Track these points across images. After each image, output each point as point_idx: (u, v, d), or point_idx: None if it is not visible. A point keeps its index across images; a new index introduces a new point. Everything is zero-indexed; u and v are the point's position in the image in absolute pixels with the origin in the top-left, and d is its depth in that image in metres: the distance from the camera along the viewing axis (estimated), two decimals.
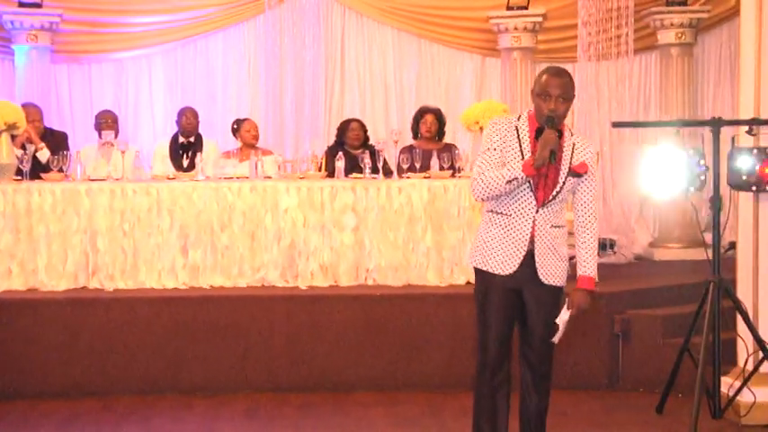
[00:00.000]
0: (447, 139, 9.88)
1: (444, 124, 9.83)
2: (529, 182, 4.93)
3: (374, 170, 8.70)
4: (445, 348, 7.72)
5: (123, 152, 8.74)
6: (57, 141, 9.28)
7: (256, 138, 9.72)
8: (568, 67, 11.41)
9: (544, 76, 4.93)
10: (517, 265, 5.00)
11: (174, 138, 9.71)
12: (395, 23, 11.85)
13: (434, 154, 8.92)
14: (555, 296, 5.08)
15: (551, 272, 5.03)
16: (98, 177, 8.50)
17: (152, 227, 8.20)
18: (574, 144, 5.00)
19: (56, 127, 9.91)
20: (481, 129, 8.63)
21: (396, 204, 8.37)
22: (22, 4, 10.83)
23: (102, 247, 8.13)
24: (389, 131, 10.60)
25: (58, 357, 7.52)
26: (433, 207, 8.38)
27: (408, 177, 8.61)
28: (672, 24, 11.04)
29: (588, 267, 5.06)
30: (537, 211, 4.97)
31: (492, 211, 5.06)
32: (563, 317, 5.03)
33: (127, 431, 6.74)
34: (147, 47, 11.64)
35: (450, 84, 11.96)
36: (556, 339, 5.10)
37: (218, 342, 7.65)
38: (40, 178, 8.41)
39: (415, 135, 9.77)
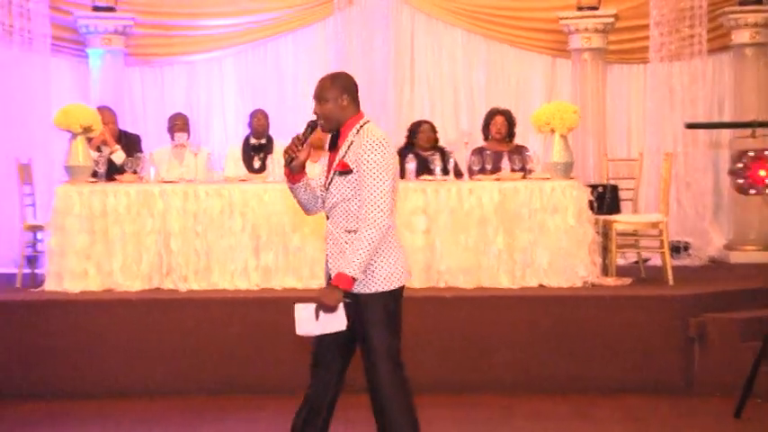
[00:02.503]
0: (517, 141, 9.81)
1: (514, 125, 9.77)
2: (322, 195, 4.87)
3: (444, 172, 8.68)
4: (516, 351, 7.67)
5: (195, 154, 8.82)
6: (130, 144, 9.40)
7: (321, 139, 9.74)
8: (639, 68, 11.55)
9: None
10: (325, 275, 4.91)
11: (246, 139, 9.77)
12: (464, 25, 11.83)
13: (505, 155, 8.88)
14: (367, 306, 4.73)
15: None
16: (171, 179, 8.58)
17: (224, 228, 8.26)
18: (351, 143, 4.75)
19: (129, 129, 10.03)
20: (552, 130, 8.58)
21: (466, 206, 8.34)
22: (96, 8, 11.00)
23: (176, 248, 8.22)
24: (459, 133, 10.63)
25: (132, 357, 7.59)
26: (503, 209, 8.34)
27: (479, 179, 8.57)
28: (746, 24, 10.90)
29: (345, 265, 4.60)
30: (328, 218, 4.84)
31: None
32: (304, 306, 4.72)
33: (201, 431, 6.79)
34: (218, 49, 11.76)
35: (520, 85, 11.92)
36: (297, 330, 4.79)
37: (290, 343, 7.59)
38: (114, 180, 8.51)
39: (486, 137, 9.73)
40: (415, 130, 9.78)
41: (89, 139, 8.70)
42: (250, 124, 9.77)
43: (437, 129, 9.87)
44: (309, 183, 4.85)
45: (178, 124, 9.54)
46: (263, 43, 11.83)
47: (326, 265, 4.84)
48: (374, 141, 4.62)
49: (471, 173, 8.74)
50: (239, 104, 11.56)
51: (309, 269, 8.27)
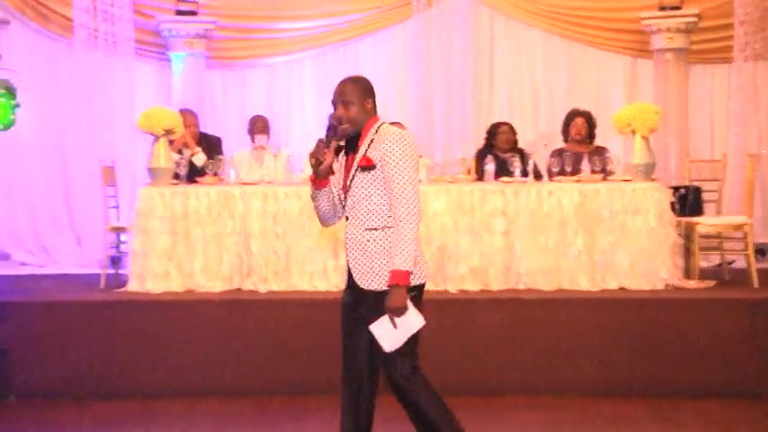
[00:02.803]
0: (598, 142, 9.72)
1: (595, 127, 9.68)
2: (340, 197, 4.89)
3: (524, 173, 8.64)
4: (597, 353, 7.59)
5: (275, 156, 8.89)
6: (211, 146, 9.49)
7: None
8: (723, 67, 11.37)
9: None
10: (347, 280, 4.90)
11: None
12: (543, 26, 11.76)
13: (585, 157, 8.80)
14: (374, 300, 4.75)
15: (364, 276, 4.77)
16: (251, 181, 8.65)
17: (303, 230, 8.30)
18: (372, 140, 4.77)
19: (210, 132, 10.13)
20: (633, 131, 8.50)
21: (546, 208, 8.29)
22: (179, 13, 11.14)
23: (256, 249, 8.28)
24: (539, 134, 10.56)
25: (213, 357, 7.66)
26: (583, 210, 8.27)
27: (559, 181, 8.51)
28: None
29: (393, 262, 4.63)
30: (347, 218, 4.85)
31: None
32: (377, 323, 4.71)
33: (281, 430, 6.83)
34: (298, 52, 11.84)
35: (601, 86, 11.81)
36: (386, 348, 4.75)
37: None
38: (195, 182, 8.61)
39: (566, 138, 9.65)
40: (494, 131, 9.74)
41: (171, 142, 8.81)
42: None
43: (516, 130, 9.82)
44: (332, 189, 4.90)
45: (258, 126, 9.61)
46: (343, 45, 11.89)
47: (348, 268, 4.85)
48: (397, 136, 4.70)
49: (551, 174, 8.68)
50: (318, 106, 11.61)
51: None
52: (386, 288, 4.67)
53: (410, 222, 4.62)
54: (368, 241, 4.74)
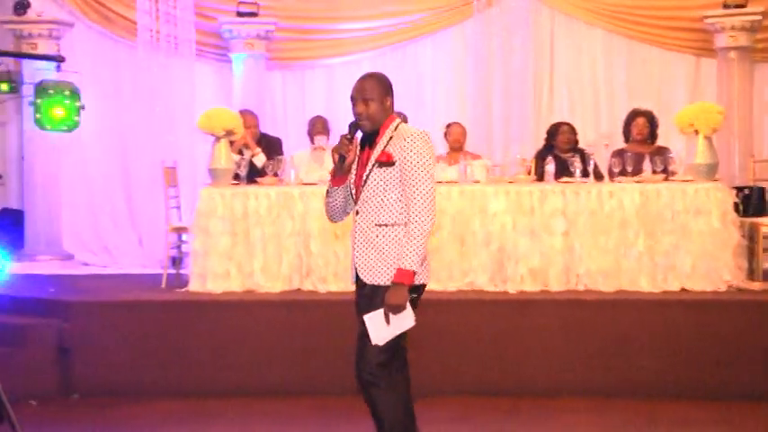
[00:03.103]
0: (660, 142, 9.61)
1: (657, 127, 9.57)
2: (351, 191, 4.90)
3: (584, 174, 8.58)
4: (657, 356, 7.51)
5: None
6: (271, 146, 9.53)
7: (459, 141, 9.74)
8: None
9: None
10: (354, 275, 4.92)
11: None
12: (604, 24, 11.67)
13: (646, 157, 8.71)
14: (376, 295, 4.78)
15: (369, 270, 4.80)
16: (310, 181, 8.67)
17: None
18: (391, 137, 4.78)
19: (270, 132, 10.17)
20: (696, 131, 8.40)
21: (607, 208, 8.23)
22: (240, 14, 11.21)
23: (315, 249, 8.30)
24: (600, 134, 10.46)
25: (272, 358, 7.69)
26: (645, 211, 8.19)
27: (620, 181, 8.44)
28: None
29: (402, 261, 4.67)
30: (357, 212, 4.85)
31: None
32: (372, 315, 4.73)
33: (338, 431, 6.84)
34: (357, 52, 11.85)
35: (663, 85, 11.69)
36: (374, 340, 4.77)
37: (427, 345, 7.65)
38: (256, 182, 8.64)
39: (627, 138, 9.56)
40: (554, 131, 9.67)
41: (231, 143, 8.86)
42: None
43: (577, 130, 9.74)
44: (348, 185, 4.91)
45: (317, 127, 9.63)
46: (402, 46, 11.89)
47: (353, 260, 4.88)
48: (417, 135, 4.73)
49: (612, 175, 8.62)
50: None
51: (447, 271, 8.26)
52: (388, 284, 4.70)
53: (424, 223, 4.65)
54: (377, 237, 4.77)
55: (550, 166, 8.59)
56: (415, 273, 4.67)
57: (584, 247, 8.23)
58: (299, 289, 8.31)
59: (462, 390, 7.54)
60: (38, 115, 7.14)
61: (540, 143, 9.91)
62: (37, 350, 7.79)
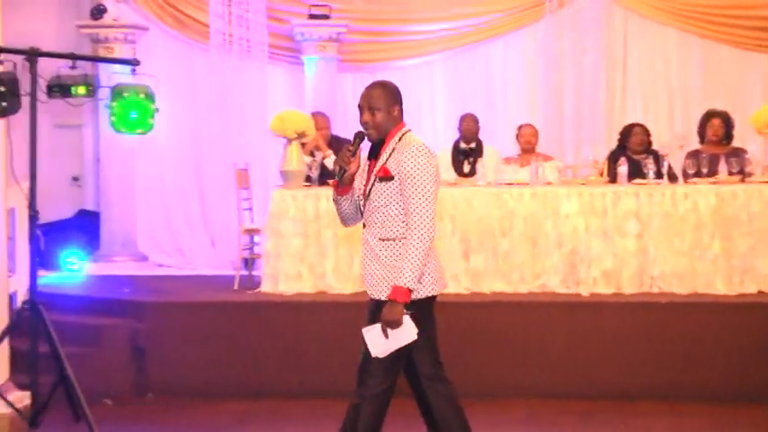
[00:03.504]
0: (735, 143, 9.46)
1: (732, 128, 9.42)
2: (359, 202, 4.83)
3: (658, 175, 8.50)
4: (733, 359, 7.41)
5: None
6: (342, 148, 9.53)
7: (530, 142, 9.68)
8: None
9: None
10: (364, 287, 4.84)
11: (456, 144, 9.79)
12: (678, 24, 11.51)
13: (722, 158, 8.59)
14: (378, 309, 4.66)
15: (373, 284, 4.72)
16: None
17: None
18: (394, 149, 4.68)
19: (341, 134, 10.19)
20: None
21: (681, 210, 8.14)
22: (312, 17, 11.26)
23: None
24: (674, 136, 10.32)
25: (344, 359, 7.67)
26: (720, 213, 8.09)
27: (694, 183, 8.34)
28: None
29: (398, 277, 4.56)
30: (365, 226, 4.79)
31: None
32: (370, 329, 4.64)
33: None
34: (429, 54, 11.84)
35: (738, 85, 11.49)
36: (373, 353, 4.67)
37: (499, 347, 7.65)
38: (327, 184, 8.67)
39: (702, 139, 9.43)
40: (627, 133, 9.56)
41: (303, 145, 8.90)
42: (459, 128, 9.79)
43: (650, 131, 9.62)
44: (354, 194, 4.85)
45: None
46: (474, 47, 11.84)
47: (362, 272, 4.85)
48: (417, 149, 4.61)
49: (686, 176, 8.52)
50: (449, 108, 11.60)
51: (519, 273, 8.23)
52: (383, 298, 4.63)
53: (421, 240, 4.54)
54: (380, 251, 4.70)
55: (623, 168, 8.52)
56: (410, 290, 4.56)
57: (658, 249, 8.14)
58: None
59: (533, 392, 7.50)
60: (113, 118, 7.24)
61: (613, 144, 9.80)
62: (112, 350, 7.90)
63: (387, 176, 4.64)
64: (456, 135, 9.89)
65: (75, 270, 10.77)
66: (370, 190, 4.72)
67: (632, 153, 9.27)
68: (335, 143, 9.60)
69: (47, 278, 9.82)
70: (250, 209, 9.59)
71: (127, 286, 9.36)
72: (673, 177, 8.66)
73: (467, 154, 9.67)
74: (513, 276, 8.24)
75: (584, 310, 7.74)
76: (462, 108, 10.78)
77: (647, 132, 9.51)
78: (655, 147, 9.44)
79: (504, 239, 8.27)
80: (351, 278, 8.31)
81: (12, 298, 7.53)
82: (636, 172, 8.68)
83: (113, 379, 7.74)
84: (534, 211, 8.26)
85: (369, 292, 4.78)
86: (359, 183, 4.84)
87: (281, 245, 8.38)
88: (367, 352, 4.72)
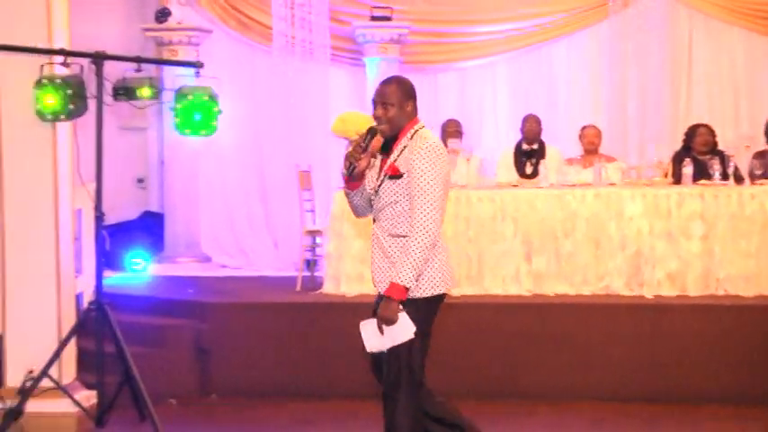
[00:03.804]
0: None
1: None
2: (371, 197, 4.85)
3: (724, 176, 8.41)
4: None
5: (468, 160, 8.89)
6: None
7: (593, 143, 9.61)
8: None
9: None
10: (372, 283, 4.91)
11: (518, 145, 9.75)
12: (745, 24, 11.36)
13: None
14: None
15: (381, 279, 4.80)
16: None
17: (496, 234, 8.28)
18: (405, 147, 4.69)
19: None
20: None
21: (748, 211, 8.05)
22: (373, 18, 11.27)
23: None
24: (740, 136, 10.20)
25: None
26: None
27: (761, 184, 8.23)
28: None
29: (396, 274, 4.59)
30: (375, 221, 4.83)
31: None
32: (366, 323, 4.70)
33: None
34: (491, 55, 11.79)
35: None
36: (367, 348, 4.76)
37: (562, 349, 7.60)
38: None
39: None
40: (692, 133, 9.45)
41: None
42: (522, 129, 9.74)
43: (715, 132, 9.51)
44: (365, 188, 4.87)
45: (450, 130, 9.63)
46: (536, 48, 11.78)
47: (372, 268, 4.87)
48: (426, 147, 4.62)
49: (753, 177, 8.42)
50: (511, 109, 11.55)
51: (582, 275, 8.18)
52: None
53: (423, 239, 4.56)
54: (389, 247, 4.74)
55: (688, 169, 8.43)
56: (407, 288, 4.57)
57: (723, 250, 8.06)
58: None
59: (597, 396, 7.45)
60: (177, 120, 7.28)
61: (678, 145, 9.70)
62: (176, 350, 7.97)
63: (396, 174, 4.68)
64: (518, 136, 9.84)
65: (139, 271, 10.89)
66: (380, 186, 4.76)
67: (697, 154, 9.17)
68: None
69: (112, 279, 9.94)
70: (312, 210, 9.62)
71: (190, 287, 9.44)
72: (739, 178, 8.56)
73: (529, 155, 9.62)
74: (575, 278, 8.19)
75: (649, 313, 7.67)
76: (525, 109, 10.72)
77: (712, 133, 9.40)
78: (720, 147, 9.33)
79: (566, 241, 8.22)
80: None
81: (78, 298, 7.64)
82: (701, 173, 8.59)
83: (178, 379, 7.80)
84: (597, 213, 8.20)
85: (376, 287, 4.84)
86: (371, 177, 4.88)
87: (342, 246, 8.40)
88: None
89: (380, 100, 4.77)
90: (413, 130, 4.74)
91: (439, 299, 4.85)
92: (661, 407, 7.25)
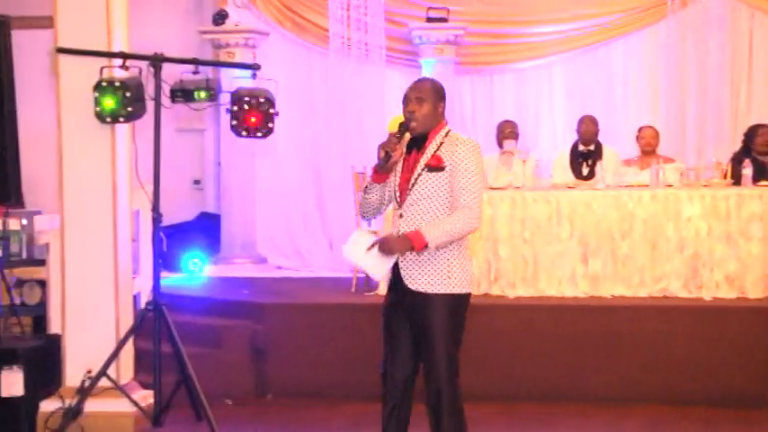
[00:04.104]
0: None
1: None
2: (395, 193, 4.88)
3: None
4: None
5: (524, 161, 8.84)
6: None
7: (651, 144, 9.52)
8: None
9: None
10: (393, 280, 4.89)
11: (574, 146, 9.68)
12: None
13: None
14: (428, 303, 4.77)
15: (419, 278, 4.78)
16: (499, 186, 8.64)
17: (552, 235, 8.24)
18: (441, 143, 4.80)
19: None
20: None
21: None
22: (429, 20, 11.26)
23: (504, 254, 8.27)
24: None
25: (461, 361, 7.66)
26: None
27: None
28: None
29: (428, 230, 4.67)
30: (401, 216, 4.82)
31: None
32: (365, 234, 4.85)
33: None
34: (547, 56, 11.73)
35: None
36: (345, 252, 4.88)
37: (619, 352, 7.55)
38: None
39: None
40: (752, 134, 9.35)
41: None
42: (578, 130, 9.67)
43: None
44: (386, 185, 4.92)
45: (506, 131, 9.59)
46: (593, 48, 11.70)
47: (396, 268, 4.84)
48: (470, 144, 4.78)
49: None
50: (567, 110, 11.48)
51: (639, 277, 8.12)
52: (435, 292, 4.74)
53: (467, 220, 4.68)
54: None
55: (748, 170, 8.35)
56: (427, 246, 4.66)
57: None
58: (486, 294, 8.29)
59: (654, 398, 7.39)
60: (234, 122, 7.31)
61: (737, 146, 9.60)
62: (232, 351, 8.03)
63: (439, 166, 4.74)
64: (574, 137, 9.78)
65: (196, 272, 10.96)
66: (416, 180, 4.78)
67: (757, 154, 9.07)
68: None
69: (169, 280, 10.01)
70: None
71: (246, 288, 9.49)
72: None
73: (585, 156, 9.55)
74: (632, 280, 8.13)
75: (707, 315, 7.60)
76: (581, 110, 10.65)
77: None
78: None
79: (623, 243, 8.17)
80: None
81: (136, 299, 7.71)
82: (761, 174, 8.51)
83: (233, 379, 7.86)
84: (655, 214, 8.14)
85: (410, 286, 4.81)
86: (395, 174, 4.92)
87: None
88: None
89: (416, 95, 4.86)
90: (446, 129, 4.86)
91: (469, 297, 4.92)
92: (720, 410, 7.18)
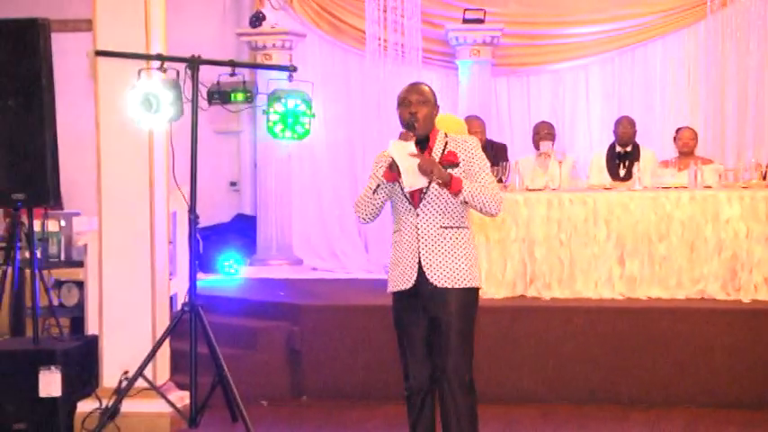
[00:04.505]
0: None
1: None
2: (405, 193, 4.89)
3: None
4: None
5: (560, 162, 8.80)
6: (497, 152, 9.49)
7: (689, 145, 9.44)
8: None
9: (402, 90, 5.04)
10: (414, 278, 4.92)
11: (611, 147, 9.63)
12: None
13: None
14: (453, 298, 4.88)
15: (444, 274, 4.87)
16: (535, 187, 8.61)
17: (588, 236, 8.20)
18: (447, 142, 4.97)
19: (496, 138, 10.16)
20: None
21: None
22: (466, 21, 11.25)
23: (540, 256, 8.24)
24: None
25: (496, 364, 7.66)
26: None
27: None
28: None
29: (466, 182, 4.82)
30: (417, 215, 4.90)
31: (393, 232, 5.06)
32: (409, 146, 4.78)
33: None
34: (584, 57, 11.68)
35: None
36: (389, 148, 4.82)
37: (656, 354, 7.50)
38: None
39: None
40: None
41: None
42: (615, 132, 9.62)
43: None
44: (393, 186, 4.95)
45: (543, 133, 9.55)
46: (631, 49, 11.64)
47: (419, 263, 4.89)
48: (476, 141, 5.03)
49: None
50: (605, 112, 11.43)
51: (676, 279, 8.05)
52: (462, 286, 4.87)
53: (492, 203, 4.85)
54: (444, 239, 4.87)
55: None
56: (461, 190, 4.77)
57: None
58: (522, 295, 8.26)
59: (692, 401, 7.34)
60: (270, 124, 7.34)
61: None
62: (268, 352, 8.04)
63: (455, 162, 4.87)
64: (612, 138, 9.73)
65: (232, 273, 11.01)
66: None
67: None
68: (491, 147, 9.55)
69: (205, 281, 10.06)
70: None
71: (282, 289, 9.51)
72: None
73: (622, 158, 9.49)
74: (670, 282, 8.07)
75: (745, 318, 7.53)
76: (618, 111, 10.61)
77: None
78: None
79: (660, 244, 8.11)
80: (503, 283, 8.26)
81: (172, 300, 7.75)
82: None
83: (269, 380, 7.88)
84: (693, 216, 8.07)
85: (436, 283, 4.87)
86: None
87: None
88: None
89: (417, 97, 4.97)
90: (442, 133, 5.03)
91: (478, 293, 5.09)
92: (758, 413, 7.12)
